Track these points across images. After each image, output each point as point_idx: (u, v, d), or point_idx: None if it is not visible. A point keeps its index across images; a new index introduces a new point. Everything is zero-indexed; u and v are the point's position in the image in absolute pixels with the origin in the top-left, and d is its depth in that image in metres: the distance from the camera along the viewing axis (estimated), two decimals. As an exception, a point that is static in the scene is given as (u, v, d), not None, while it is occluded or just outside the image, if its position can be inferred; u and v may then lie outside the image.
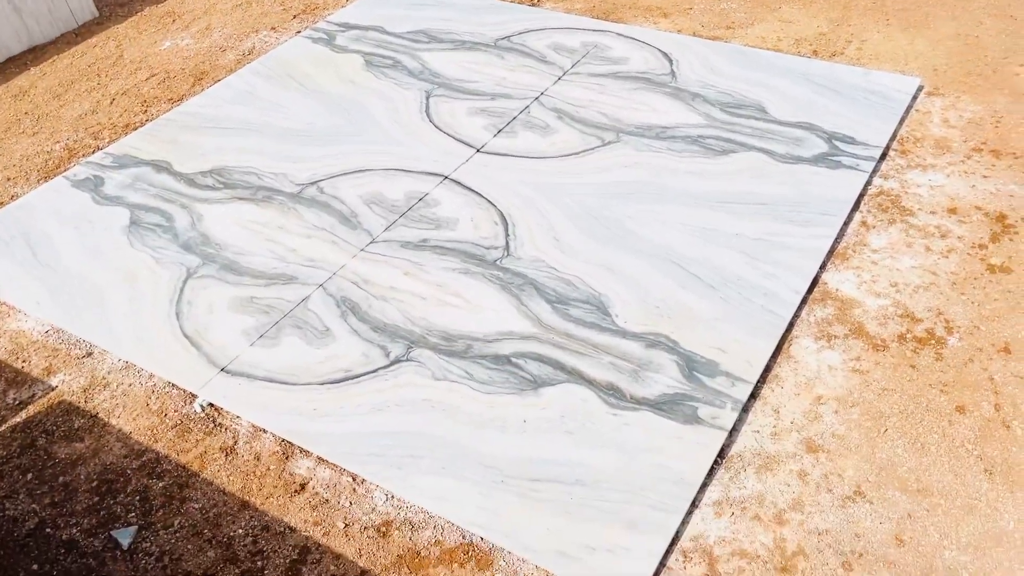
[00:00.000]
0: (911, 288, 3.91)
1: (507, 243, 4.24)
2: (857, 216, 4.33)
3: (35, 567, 3.06)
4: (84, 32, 6.63)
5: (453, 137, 5.04)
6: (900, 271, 4.00)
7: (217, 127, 5.27)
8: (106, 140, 5.30)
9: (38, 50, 6.43)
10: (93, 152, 5.19)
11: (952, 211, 4.29)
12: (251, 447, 3.41)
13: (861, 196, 4.43)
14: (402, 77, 5.63)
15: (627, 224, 4.30)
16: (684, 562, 2.93)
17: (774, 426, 3.36)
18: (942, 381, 3.47)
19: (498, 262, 4.14)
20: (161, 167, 4.96)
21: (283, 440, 3.42)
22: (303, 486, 3.25)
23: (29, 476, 3.36)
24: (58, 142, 5.33)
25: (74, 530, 3.17)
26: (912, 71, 5.36)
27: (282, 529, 3.12)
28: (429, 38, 6.05)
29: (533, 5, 6.46)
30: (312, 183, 4.73)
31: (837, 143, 4.74)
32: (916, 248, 4.11)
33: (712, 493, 3.14)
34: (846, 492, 3.10)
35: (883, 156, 4.69)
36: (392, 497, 3.18)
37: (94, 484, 3.32)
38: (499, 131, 5.05)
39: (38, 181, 4.98)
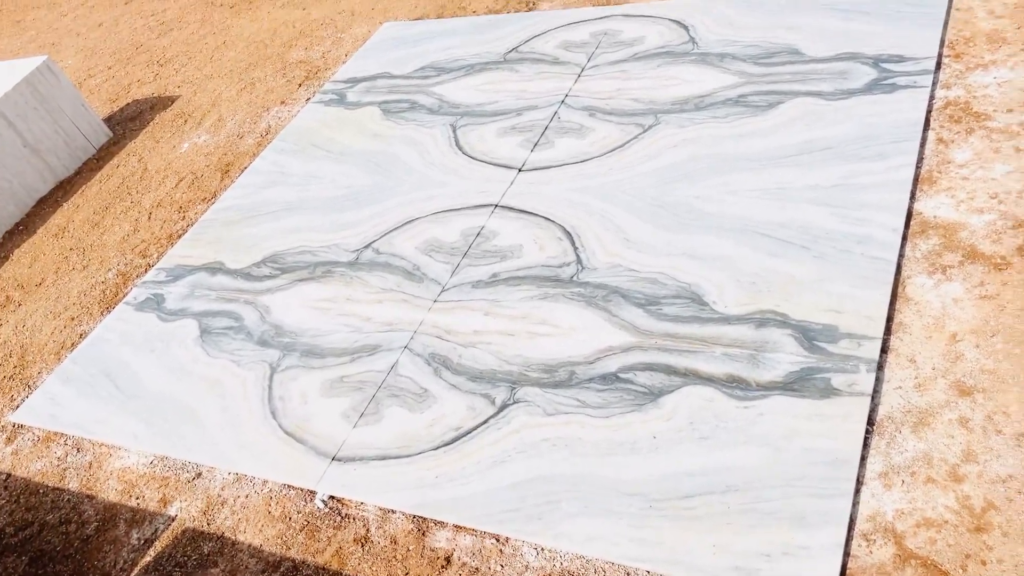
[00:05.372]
0: (1013, 195, 3.65)
1: (578, 256, 4.08)
2: (931, 135, 4.08)
3: None
4: (104, 155, 6.66)
5: (491, 163, 4.90)
6: (996, 180, 3.74)
7: (258, 214, 5.21)
8: (154, 256, 5.28)
9: (65, 184, 6.46)
10: (146, 271, 5.17)
11: (1030, 103, 4.02)
12: (384, 531, 3.30)
13: (928, 113, 4.18)
14: (423, 116, 5.52)
15: (695, 204, 4.11)
16: (868, 546, 2.73)
17: (916, 377, 3.14)
18: (1081, 285, 3.22)
19: (575, 278, 3.98)
20: (215, 269, 4.91)
21: (415, 516, 3.30)
22: (448, 559, 3.12)
23: (175, 614, 3.29)
24: (110, 270, 5.32)
25: (234, 659, 3.09)
26: (939, -30, 5.08)
27: (440, 609, 3.00)
28: (437, 71, 5.94)
29: (530, 9, 6.32)
30: (366, 246, 4.62)
31: (885, 65, 4.49)
32: (1005, 152, 3.85)
33: (874, 465, 2.93)
34: (1018, 429, 2.87)
35: (937, 66, 4.43)
36: (542, 550, 3.04)
37: (240, 607, 3.24)
38: (535, 145, 4.90)
39: (101, 314, 4.97)
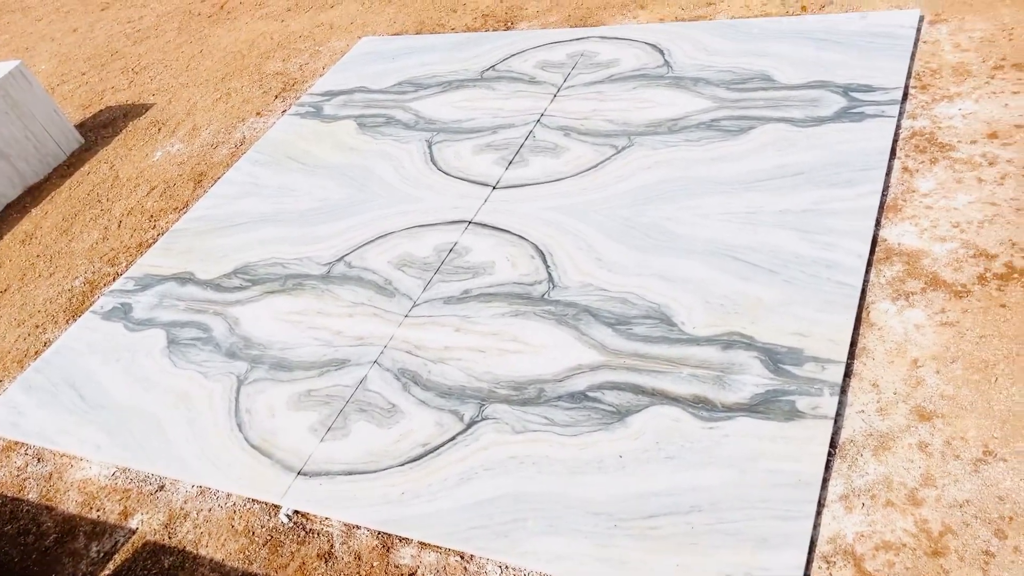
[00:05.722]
0: (975, 224, 3.73)
1: (550, 275, 4.11)
2: (897, 164, 4.16)
3: None
4: (75, 161, 6.60)
5: (465, 180, 4.92)
6: (958, 209, 3.83)
7: (230, 225, 5.19)
8: (123, 265, 5.23)
9: (34, 190, 6.39)
10: (114, 280, 5.12)
11: (993, 136, 4.12)
12: (349, 547, 3.28)
13: (895, 142, 4.27)
14: (399, 132, 5.54)
15: (666, 226, 4.15)
16: (828, 568, 2.76)
17: (878, 401, 3.19)
18: (1039, 314, 3.30)
19: (546, 296, 4.00)
20: (184, 279, 4.87)
21: (379, 532, 3.28)
22: (412, 576, 3.11)
23: (133, 629, 3.24)
24: (77, 278, 5.26)
25: (192, 675, 3.05)
26: (908, 3, 5.21)
27: (402, 626, 2.98)
28: (415, 86, 5.96)
29: (508, 29, 6.37)
30: (338, 260, 4.62)
31: (854, 94, 4.58)
32: (967, 182, 3.94)
33: (835, 488, 2.97)
34: (975, 455, 2.93)
35: (904, 97, 4.53)
36: (507, 568, 3.03)
37: (200, 622, 3.20)
38: (510, 163, 4.93)
39: (67, 322, 4.91)
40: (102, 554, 3.54)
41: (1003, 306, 3.37)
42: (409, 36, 6.70)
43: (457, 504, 3.24)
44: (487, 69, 5.88)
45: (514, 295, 4.06)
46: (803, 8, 5.50)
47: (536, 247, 4.29)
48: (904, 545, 2.75)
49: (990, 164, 3.98)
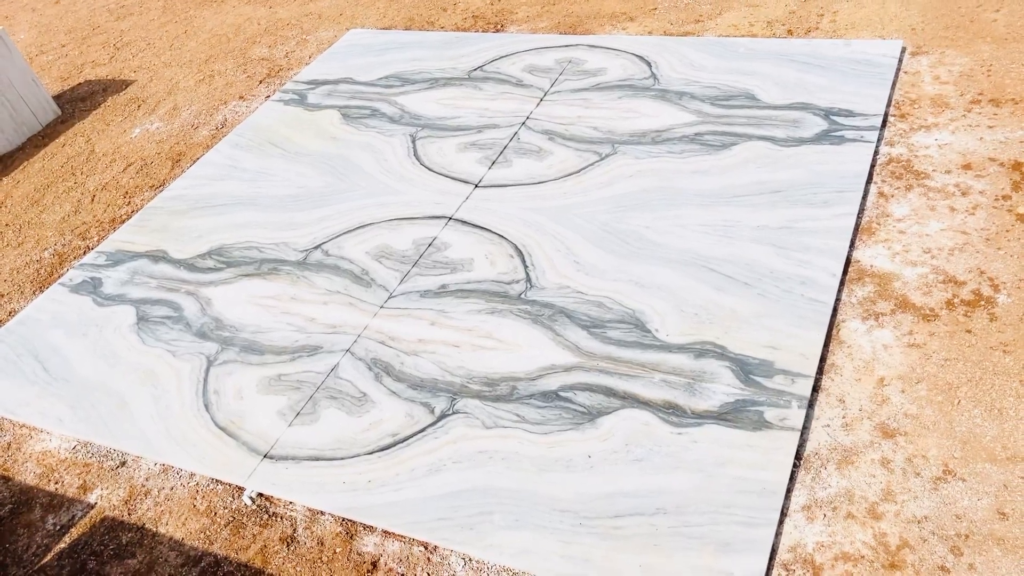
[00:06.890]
0: (945, 251, 3.82)
1: (527, 275, 4.13)
2: (873, 188, 4.25)
3: None
4: (50, 133, 6.49)
5: (448, 176, 4.93)
6: (930, 236, 3.92)
7: (206, 206, 5.14)
8: (95, 239, 5.15)
9: (6, 159, 6.27)
10: (84, 253, 5.04)
11: (967, 167, 4.23)
12: (312, 532, 3.25)
13: (872, 167, 4.36)
14: (383, 125, 5.53)
15: (645, 234, 4.20)
16: (788, 576, 2.80)
17: (843, 417, 3.25)
18: (1002, 341, 3.38)
19: (523, 295, 4.02)
20: (157, 257, 4.81)
21: (343, 519, 3.26)
22: (375, 564, 3.10)
23: (86, 604, 3.19)
24: (46, 249, 5.17)
25: (144, 654, 3.00)
26: (891, 34, 5.33)
27: (362, 614, 2.97)
28: (402, 81, 5.96)
29: (498, 31, 6.40)
30: (316, 247, 4.59)
31: (835, 118, 4.68)
32: (940, 210, 4.04)
33: (798, 498, 3.02)
34: (935, 473, 2.99)
35: (883, 124, 4.63)
36: (470, 560, 3.04)
37: (156, 601, 3.15)
38: (493, 163, 4.95)
39: (33, 293, 4.82)
40: (59, 527, 3.47)
41: (969, 332, 3.45)
42: (398, 31, 6.70)
43: (424, 495, 3.24)
44: (475, 69, 5.90)
45: (491, 292, 4.07)
46: (789, 32, 5.60)
47: (515, 247, 4.31)
48: (862, 557, 2.80)
49: (963, 194, 4.09)
